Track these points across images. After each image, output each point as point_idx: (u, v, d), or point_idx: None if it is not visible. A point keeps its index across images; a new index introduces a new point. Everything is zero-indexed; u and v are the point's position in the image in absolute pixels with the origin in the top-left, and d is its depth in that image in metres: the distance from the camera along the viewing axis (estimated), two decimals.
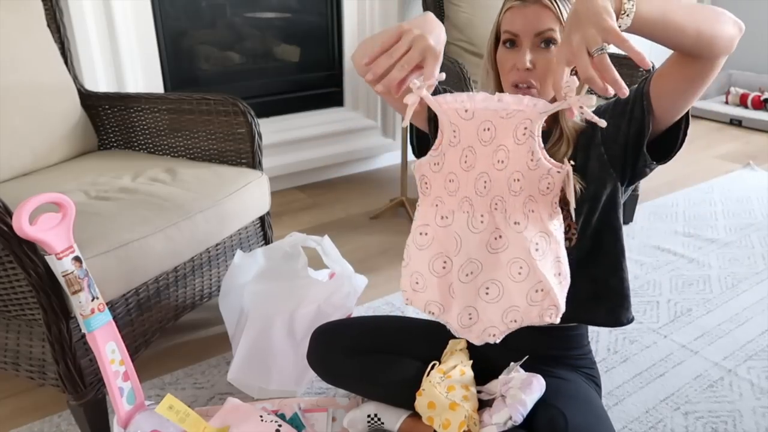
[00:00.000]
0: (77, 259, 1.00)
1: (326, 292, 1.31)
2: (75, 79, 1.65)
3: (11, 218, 0.96)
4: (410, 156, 1.37)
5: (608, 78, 0.68)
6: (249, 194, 1.46)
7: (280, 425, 1.09)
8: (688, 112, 0.91)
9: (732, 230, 2.17)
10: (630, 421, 1.26)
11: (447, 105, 0.85)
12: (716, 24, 0.77)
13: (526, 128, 0.82)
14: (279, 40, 2.54)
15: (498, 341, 0.88)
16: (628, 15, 0.72)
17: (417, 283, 0.90)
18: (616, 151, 0.95)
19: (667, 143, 0.94)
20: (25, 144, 1.48)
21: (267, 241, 1.63)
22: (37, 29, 1.56)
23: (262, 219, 1.59)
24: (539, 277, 0.83)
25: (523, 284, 0.84)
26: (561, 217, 0.85)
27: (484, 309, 0.88)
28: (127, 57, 2.01)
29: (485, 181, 0.85)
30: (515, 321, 0.86)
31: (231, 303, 1.35)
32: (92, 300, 1.02)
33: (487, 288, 0.87)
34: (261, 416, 1.10)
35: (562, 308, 0.84)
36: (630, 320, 1.05)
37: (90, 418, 1.16)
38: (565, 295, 0.85)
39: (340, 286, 1.32)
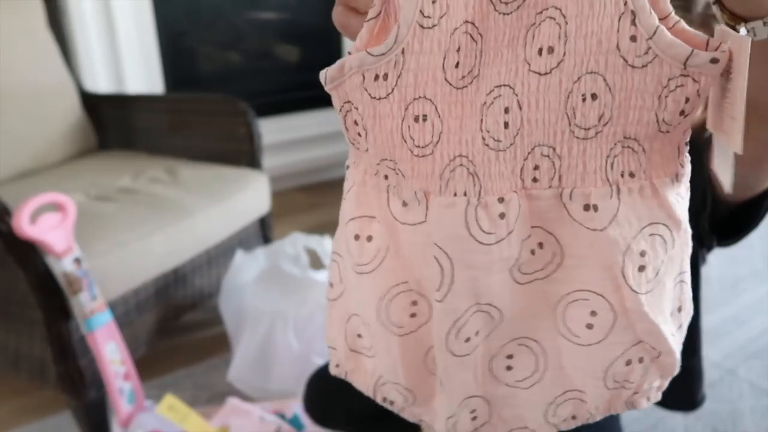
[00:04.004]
0: (77, 259, 1.00)
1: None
2: (75, 79, 1.65)
3: (11, 218, 0.96)
4: None
5: None
6: (249, 194, 1.46)
7: (280, 425, 1.09)
8: None
9: None
10: (630, 421, 1.26)
11: None
12: None
13: None
14: (279, 40, 2.54)
15: None
16: None
17: (359, 336, 0.45)
18: (690, 221, 0.74)
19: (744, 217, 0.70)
20: (25, 144, 1.48)
21: (267, 241, 1.63)
22: (37, 29, 1.56)
23: (262, 219, 1.59)
24: (641, 330, 0.39)
25: (598, 349, 0.40)
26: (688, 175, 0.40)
27: (504, 399, 0.44)
28: (127, 57, 2.01)
29: (506, 109, 0.37)
30: (575, 417, 0.44)
31: (231, 303, 1.35)
32: (92, 300, 1.02)
33: (510, 356, 0.43)
34: (261, 416, 1.10)
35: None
36: (704, 398, 0.88)
37: (90, 418, 1.16)
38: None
39: None
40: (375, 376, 0.46)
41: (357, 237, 0.42)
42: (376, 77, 0.37)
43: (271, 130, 2.38)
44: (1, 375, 1.37)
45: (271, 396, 1.25)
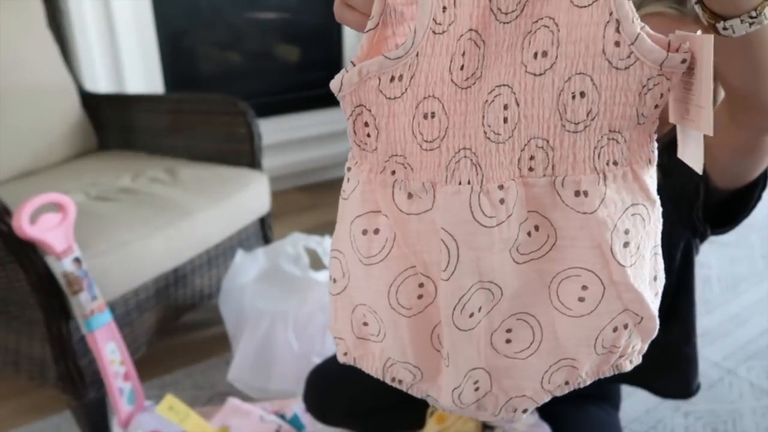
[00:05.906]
0: (77, 259, 1.00)
1: (327, 293, 1.31)
2: (75, 79, 1.65)
3: (11, 218, 0.96)
4: None
5: None
6: (249, 194, 1.46)
7: (280, 425, 1.09)
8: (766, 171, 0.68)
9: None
10: (630, 421, 1.26)
11: None
12: None
13: None
14: (279, 40, 2.54)
15: (529, 414, 0.53)
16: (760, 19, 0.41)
17: (365, 324, 0.49)
18: (683, 209, 0.75)
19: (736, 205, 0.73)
20: (25, 144, 1.48)
21: (267, 241, 1.63)
22: (37, 30, 1.56)
23: (262, 219, 1.59)
24: (627, 299, 0.44)
25: (590, 320, 0.45)
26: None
27: (504, 370, 0.48)
28: (127, 57, 2.01)
29: (505, 106, 0.41)
30: (567, 383, 0.48)
31: (231, 303, 1.35)
32: (92, 300, 1.02)
33: (509, 330, 0.46)
34: (261, 416, 1.10)
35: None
36: (698, 387, 0.90)
37: (90, 419, 1.16)
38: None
39: None
40: (383, 359, 0.49)
41: (365, 232, 0.45)
42: (392, 78, 0.42)
43: (271, 130, 2.38)
44: (1, 375, 1.37)
45: (271, 396, 1.25)
